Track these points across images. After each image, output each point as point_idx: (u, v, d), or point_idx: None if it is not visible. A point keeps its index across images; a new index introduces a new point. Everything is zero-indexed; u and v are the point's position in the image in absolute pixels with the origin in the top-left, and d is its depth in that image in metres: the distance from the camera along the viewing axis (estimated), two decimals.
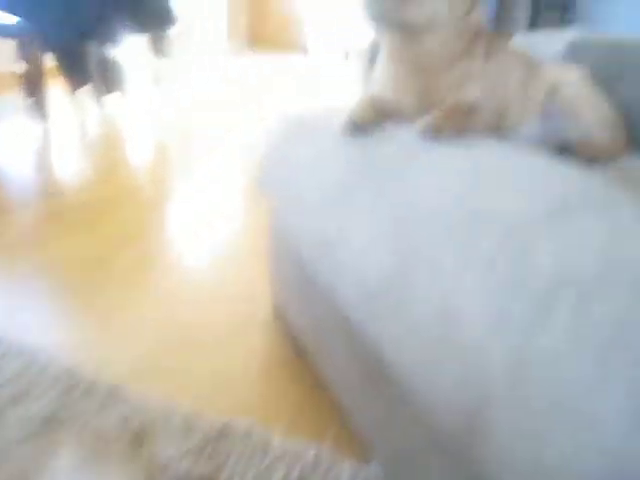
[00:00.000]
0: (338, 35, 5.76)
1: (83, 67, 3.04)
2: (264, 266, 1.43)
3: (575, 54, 1.31)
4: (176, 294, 1.48)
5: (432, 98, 0.97)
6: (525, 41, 1.09)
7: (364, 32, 1.31)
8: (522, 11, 3.34)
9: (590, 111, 1.10)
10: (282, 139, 1.12)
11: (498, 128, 1.00)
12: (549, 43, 1.38)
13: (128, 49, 3.30)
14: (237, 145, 2.85)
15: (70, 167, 2.42)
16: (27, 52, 2.71)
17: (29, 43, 2.69)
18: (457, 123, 0.90)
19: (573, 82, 1.11)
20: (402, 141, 0.89)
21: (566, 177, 0.75)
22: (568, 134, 1.06)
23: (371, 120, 0.93)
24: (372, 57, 1.14)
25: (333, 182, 0.91)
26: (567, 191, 0.69)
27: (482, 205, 0.70)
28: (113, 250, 1.69)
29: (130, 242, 1.75)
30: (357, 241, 0.82)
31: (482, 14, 0.99)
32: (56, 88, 3.09)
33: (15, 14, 2.65)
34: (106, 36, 3.09)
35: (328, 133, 0.99)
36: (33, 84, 2.75)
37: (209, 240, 1.82)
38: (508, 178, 0.75)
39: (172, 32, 3.59)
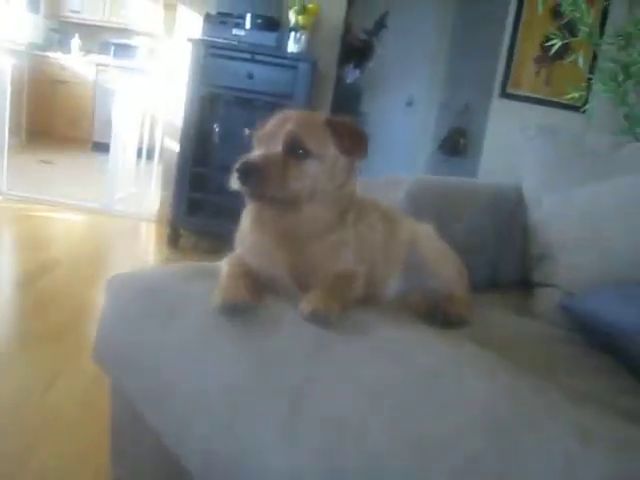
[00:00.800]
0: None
1: None
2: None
3: (413, 201, 1.45)
4: None
5: (307, 268, 0.93)
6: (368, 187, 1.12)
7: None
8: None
9: (446, 265, 1.16)
10: (131, 311, 1.01)
11: (368, 289, 0.98)
12: (390, 190, 1.49)
13: None
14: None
15: None
16: None
17: None
18: (341, 299, 0.88)
19: (426, 237, 1.16)
20: (293, 333, 0.83)
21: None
22: (430, 290, 1.10)
23: (247, 298, 0.87)
24: None
25: (221, 388, 0.81)
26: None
27: None
28: None
29: None
30: None
31: (356, 183, 0.99)
32: None
33: None
34: None
35: (196, 312, 0.92)
36: None
37: None
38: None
39: None
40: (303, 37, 3.15)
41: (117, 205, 3.97)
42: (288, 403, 0.73)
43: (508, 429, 0.64)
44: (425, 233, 1.18)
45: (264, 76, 3.07)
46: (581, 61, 2.24)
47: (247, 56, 3.03)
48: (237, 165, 0.86)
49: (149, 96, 4.17)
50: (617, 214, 1.37)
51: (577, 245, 1.40)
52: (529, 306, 1.36)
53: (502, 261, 1.63)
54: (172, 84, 3.65)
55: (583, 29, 2.18)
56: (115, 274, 1.09)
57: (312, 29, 3.31)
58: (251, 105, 3.27)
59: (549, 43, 2.38)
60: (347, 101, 4.20)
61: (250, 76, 3.04)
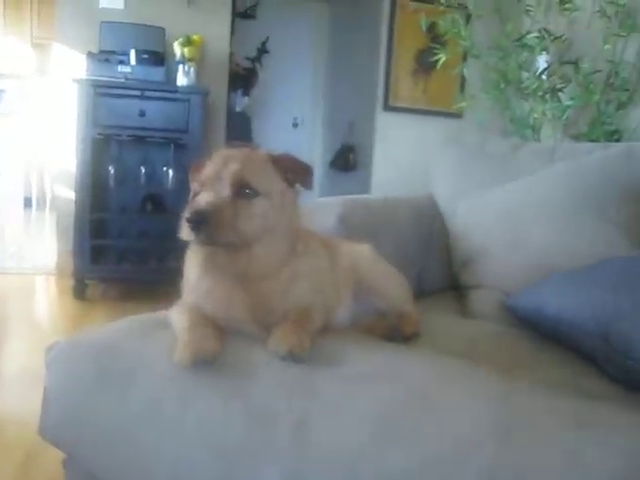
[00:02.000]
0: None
1: None
2: None
3: (346, 224, 1.46)
4: None
5: (265, 306, 0.92)
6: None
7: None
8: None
9: (390, 284, 1.18)
10: (83, 381, 0.92)
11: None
12: (322, 214, 1.51)
13: None
14: None
15: None
16: None
17: None
18: (307, 333, 0.88)
19: (367, 259, 1.18)
20: (274, 376, 0.82)
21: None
22: (379, 311, 1.13)
23: (217, 347, 0.84)
24: None
25: (211, 452, 0.76)
26: None
27: None
28: None
29: None
30: None
31: (300, 215, 0.99)
32: None
33: None
34: None
35: (160, 371, 0.86)
36: None
37: None
38: None
39: None
40: (192, 69, 3.10)
41: (8, 262, 3.66)
42: (291, 451, 0.71)
43: (514, 432, 0.66)
44: (365, 255, 1.19)
45: (156, 112, 2.98)
46: (466, 72, 2.40)
47: (137, 93, 2.93)
48: (187, 214, 0.82)
49: (30, 141, 3.89)
50: (533, 213, 1.48)
51: (500, 247, 1.49)
52: (466, 308, 1.42)
53: (427, 270, 1.69)
54: (56, 127, 3.44)
55: (462, 43, 2.35)
56: (56, 341, 0.99)
57: (199, 60, 3.28)
58: (145, 143, 3.16)
59: (435, 58, 2.53)
60: (239, 129, 4.19)
61: (142, 113, 2.94)
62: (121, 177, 3.17)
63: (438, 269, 1.73)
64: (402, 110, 4.94)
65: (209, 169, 0.90)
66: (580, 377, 0.96)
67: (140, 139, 3.08)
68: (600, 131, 2.14)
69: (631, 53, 2.02)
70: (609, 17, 2.20)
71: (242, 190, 0.87)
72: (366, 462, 0.67)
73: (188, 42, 3.19)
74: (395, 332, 1.06)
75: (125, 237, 3.26)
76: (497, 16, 2.37)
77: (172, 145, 3.14)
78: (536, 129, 2.27)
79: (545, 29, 2.24)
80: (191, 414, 0.80)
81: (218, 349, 0.84)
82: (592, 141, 2.15)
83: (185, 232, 0.84)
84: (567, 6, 2.25)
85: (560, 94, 2.39)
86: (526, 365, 1.01)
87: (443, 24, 2.51)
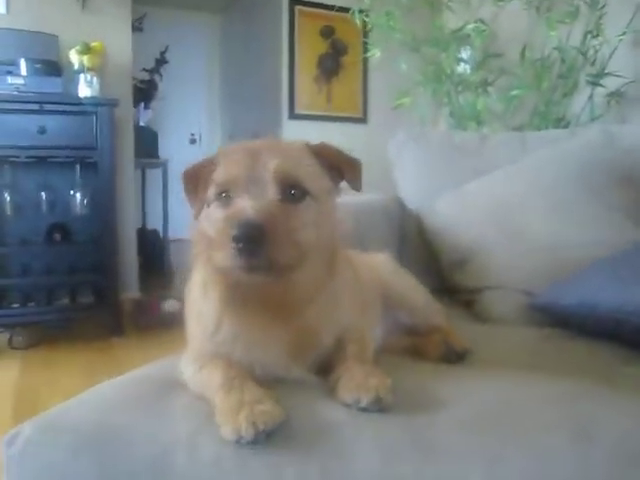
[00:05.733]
0: None
1: None
2: None
3: None
4: None
5: (306, 341, 0.72)
6: None
7: None
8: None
9: (418, 296, 1.04)
10: None
11: None
12: None
13: None
14: None
15: None
16: None
17: None
18: (378, 369, 0.70)
19: (390, 270, 1.04)
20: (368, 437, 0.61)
21: None
22: (411, 326, 0.99)
23: (278, 412, 0.61)
24: None
25: None
26: None
27: None
28: None
29: None
30: None
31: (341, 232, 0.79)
32: None
33: None
34: None
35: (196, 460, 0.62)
36: None
37: None
38: None
39: None
40: (95, 79, 2.76)
41: None
42: None
43: None
44: (387, 266, 1.05)
45: (59, 128, 2.60)
46: (404, 67, 2.31)
47: (34, 107, 2.54)
48: (234, 230, 0.60)
49: None
50: (530, 203, 1.38)
51: (499, 243, 1.38)
52: (483, 312, 1.29)
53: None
54: None
55: (398, 37, 2.25)
56: (16, 429, 0.69)
57: (99, 70, 2.93)
58: (47, 164, 2.76)
59: (369, 54, 2.42)
60: (146, 145, 3.85)
61: (42, 130, 2.55)
62: (19, 205, 2.75)
63: (415, 272, 1.60)
64: (308, 117, 4.86)
65: (233, 168, 0.68)
66: None
67: (41, 160, 2.68)
68: (544, 120, 2.13)
69: (575, 40, 2.02)
70: (537, 8, 2.21)
71: (288, 191, 0.66)
72: None
73: (87, 50, 2.83)
74: (450, 353, 0.89)
75: (29, 274, 2.82)
76: (427, 10, 2.30)
77: (79, 165, 2.77)
78: (480, 121, 2.23)
79: (481, 20, 2.21)
80: None
81: (282, 413, 0.61)
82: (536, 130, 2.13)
83: (224, 257, 0.61)
84: None
85: (489, 88, 2.38)
86: (603, 365, 0.88)
87: (370, 19, 2.40)
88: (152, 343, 2.75)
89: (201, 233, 0.72)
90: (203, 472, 0.61)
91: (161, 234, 4.18)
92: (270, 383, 0.68)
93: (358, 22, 2.34)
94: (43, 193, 2.81)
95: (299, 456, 0.59)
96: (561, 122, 2.07)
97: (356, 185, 0.74)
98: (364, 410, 0.63)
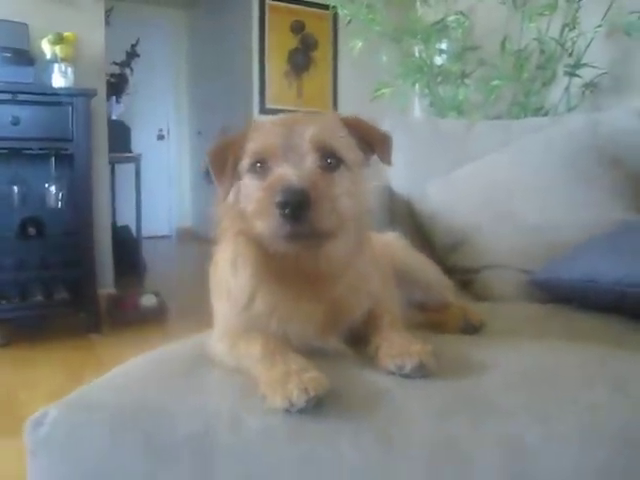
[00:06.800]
0: None
1: None
2: None
3: None
4: None
5: (339, 313, 0.73)
6: None
7: None
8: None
9: (430, 273, 1.05)
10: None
11: None
12: None
13: None
14: None
15: None
16: None
17: None
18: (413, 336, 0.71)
19: (401, 248, 1.04)
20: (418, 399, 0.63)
21: None
22: (424, 302, 1.00)
23: (322, 378, 0.61)
24: None
25: None
26: None
27: None
28: None
29: None
30: None
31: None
32: None
33: None
34: None
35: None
36: None
37: None
38: None
39: None
40: (69, 69, 2.69)
41: None
42: None
43: None
44: (398, 244, 1.05)
45: (33, 119, 2.53)
46: (384, 59, 2.34)
47: (6, 97, 2.46)
48: (279, 196, 0.60)
49: None
50: (521, 186, 1.42)
51: (492, 224, 1.41)
52: (483, 290, 1.32)
53: None
54: None
55: (377, 29, 2.27)
56: (43, 411, 0.67)
57: (72, 60, 2.86)
58: (21, 157, 2.68)
59: (350, 45, 2.43)
60: (117, 139, 3.77)
61: (15, 121, 2.48)
62: None
63: None
64: (278, 112, 4.82)
65: (269, 137, 0.68)
66: None
67: (15, 152, 2.60)
68: (523, 110, 2.19)
69: (554, 32, 2.08)
70: (514, 0, 2.26)
71: (325, 159, 0.67)
72: None
73: (59, 39, 2.76)
74: (468, 326, 0.91)
75: (1, 270, 2.73)
76: (405, 2, 2.33)
77: (54, 157, 2.70)
78: (461, 111, 2.27)
79: (462, 12, 2.25)
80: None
81: (327, 381, 0.61)
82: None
83: (267, 225, 0.61)
84: None
85: (467, 80, 2.43)
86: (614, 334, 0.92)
87: (349, 12, 2.40)
88: (132, 339, 2.70)
89: (230, 207, 0.72)
90: (250, 444, 0.60)
91: (134, 231, 4.10)
92: (306, 354, 0.69)
93: (341, 14, 2.34)
94: (15, 187, 2.72)
95: (354, 423, 0.59)
96: (540, 112, 2.13)
97: (386, 159, 0.75)
98: (407, 376, 0.64)
